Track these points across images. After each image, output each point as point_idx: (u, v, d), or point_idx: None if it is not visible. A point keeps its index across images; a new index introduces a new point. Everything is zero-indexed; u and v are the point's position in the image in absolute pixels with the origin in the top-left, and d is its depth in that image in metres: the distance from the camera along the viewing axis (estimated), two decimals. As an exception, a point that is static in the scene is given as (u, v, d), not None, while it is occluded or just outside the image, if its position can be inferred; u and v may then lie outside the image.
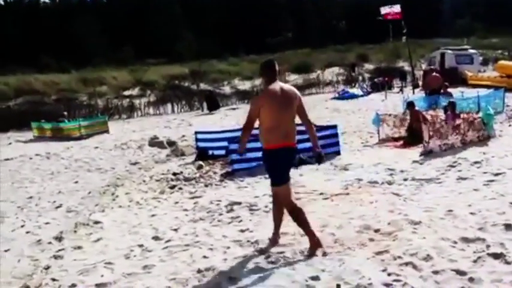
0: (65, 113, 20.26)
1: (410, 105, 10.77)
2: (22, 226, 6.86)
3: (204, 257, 4.81)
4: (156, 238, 5.66)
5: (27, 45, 59.94)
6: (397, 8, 23.45)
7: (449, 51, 26.10)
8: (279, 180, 4.72)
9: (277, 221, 5.00)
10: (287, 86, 4.89)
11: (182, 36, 61.72)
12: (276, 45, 54.67)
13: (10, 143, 18.13)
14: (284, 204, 4.82)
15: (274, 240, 4.95)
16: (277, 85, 4.71)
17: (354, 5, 79.82)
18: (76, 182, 10.13)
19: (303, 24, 72.15)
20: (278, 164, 4.68)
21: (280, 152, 4.63)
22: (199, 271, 4.43)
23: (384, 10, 24.31)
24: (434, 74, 15.52)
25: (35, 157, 13.97)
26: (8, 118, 21.53)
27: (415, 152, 9.20)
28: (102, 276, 4.57)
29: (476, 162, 7.55)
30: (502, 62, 25.12)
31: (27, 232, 6.52)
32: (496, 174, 6.73)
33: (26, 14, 68.82)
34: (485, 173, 6.90)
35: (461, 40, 39.89)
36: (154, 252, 5.16)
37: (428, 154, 8.61)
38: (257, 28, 68.90)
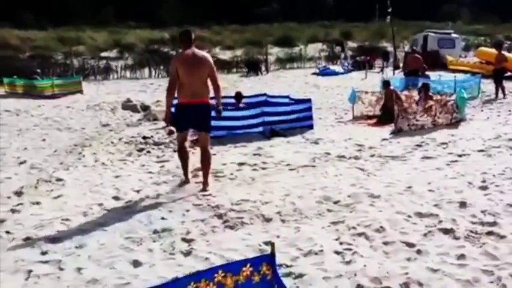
0: (38, 70, 19.72)
1: (385, 84, 10.81)
2: (-18, 179, 6.71)
3: (162, 218, 4.80)
4: (116, 198, 5.61)
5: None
6: None
7: (432, 34, 26.15)
8: (178, 128, 5.85)
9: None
10: (200, 53, 5.69)
11: (166, 1, 60.32)
12: (262, 16, 54.02)
13: (-21, 97, 17.63)
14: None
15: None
16: (190, 51, 5.58)
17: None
18: (43, 140, 9.94)
19: (290, -3, 71.27)
20: (179, 116, 5.72)
21: (186, 106, 5.61)
22: (155, 232, 4.42)
23: None
24: (414, 55, 15.52)
25: (4, 113, 13.65)
26: (-22, 72, 20.82)
27: (386, 130, 9.27)
28: (57, 231, 4.52)
29: (443, 143, 7.67)
30: (482, 48, 25.31)
31: (-13, 185, 6.39)
32: (460, 156, 6.86)
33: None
34: (450, 153, 7.01)
35: (445, 24, 40.05)
36: (113, 211, 5.13)
37: (397, 133, 8.70)
38: (244, -3, 67.81)
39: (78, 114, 13.80)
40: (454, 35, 27.25)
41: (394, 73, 20.82)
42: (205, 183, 5.74)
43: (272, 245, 2.20)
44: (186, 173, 6.06)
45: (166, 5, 59.46)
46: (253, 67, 25.40)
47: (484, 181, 5.47)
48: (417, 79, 12.88)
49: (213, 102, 5.96)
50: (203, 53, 5.83)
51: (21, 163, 7.79)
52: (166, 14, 55.79)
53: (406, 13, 52.79)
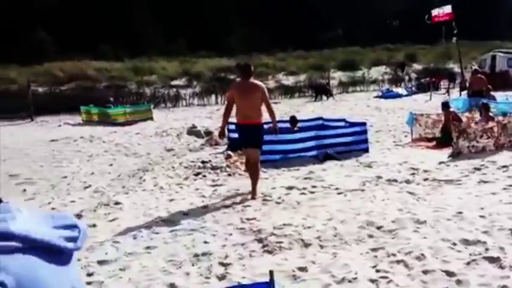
0: (111, 98, 21.01)
1: (444, 106, 10.44)
2: (49, 203, 7.26)
3: (205, 242, 4.95)
4: (166, 221, 5.85)
5: (86, 33, 62.44)
6: (447, 9, 22.49)
7: (500, 54, 25.02)
8: (240, 146, 7.18)
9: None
10: (254, 82, 6.72)
11: (235, 30, 62.34)
12: (326, 41, 54.14)
13: (60, 125, 19.07)
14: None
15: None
16: (246, 81, 6.65)
17: (410, 4, 77.74)
18: (111, 165, 10.55)
19: (355, 21, 71.09)
20: (240, 135, 6.87)
21: (242, 127, 6.71)
22: (195, 255, 4.57)
23: (434, 13, 23.40)
24: (478, 75, 14.89)
25: (79, 139, 14.64)
26: (60, 102, 22.58)
27: (445, 153, 8.93)
28: (106, 253, 4.80)
29: (503, 167, 7.27)
30: None
31: (53, 209, 6.90)
32: (521, 180, 6.47)
33: (87, 2, 71.72)
34: (510, 177, 6.63)
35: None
36: (161, 234, 5.35)
37: (456, 156, 8.34)
38: (309, 23, 68.53)
39: (146, 140, 14.50)
40: None
41: (460, 94, 20.02)
42: (253, 194, 6.61)
43: (271, 273, 2.24)
44: (254, 188, 6.80)
45: (235, 34, 61.46)
46: (321, 91, 25.19)
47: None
48: (481, 100, 12.33)
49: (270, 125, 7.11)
50: (257, 82, 6.86)
51: (86, 187, 8.33)
52: (235, 43, 57.59)
53: (475, 33, 50.75)
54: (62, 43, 55.14)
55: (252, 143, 6.69)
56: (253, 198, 6.51)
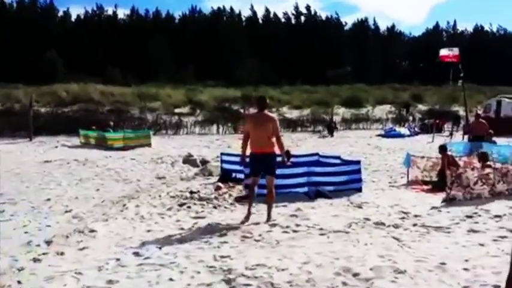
0: (111, 123, 20.99)
1: (441, 149, 10.21)
2: (24, 226, 7.02)
3: (170, 279, 4.68)
4: (136, 254, 5.58)
5: (98, 57, 63.50)
6: (455, 51, 22.52)
7: (505, 99, 24.96)
8: (250, 172, 7.43)
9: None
10: (268, 114, 7.26)
11: (244, 62, 63.02)
12: (334, 78, 54.54)
13: (57, 147, 19.01)
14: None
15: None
16: (260, 113, 7.21)
17: (419, 45, 78.69)
18: (97, 190, 10.34)
19: (364, 59, 71.86)
20: (251, 163, 7.23)
21: (255, 155, 7.12)
22: (157, 293, 4.30)
23: (443, 52, 23.45)
24: (479, 120, 14.75)
25: (72, 162, 14.52)
26: (61, 123, 22.61)
27: (439, 197, 8.63)
28: (65, 285, 4.54)
29: (497, 216, 6.95)
30: None
31: (26, 232, 6.65)
32: (512, 231, 6.16)
33: (104, 27, 73.21)
34: (501, 228, 6.32)
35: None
36: (127, 268, 5.08)
37: (450, 201, 8.05)
38: (319, 59, 69.33)
39: (140, 166, 14.32)
40: None
41: (463, 137, 19.81)
42: (268, 216, 7.13)
43: None
44: (249, 209, 7.26)
45: (244, 65, 62.08)
46: (331, 128, 25.42)
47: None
48: (481, 144, 12.09)
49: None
50: (271, 115, 7.42)
51: (66, 211, 8.10)
52: (243, 74, 58.10)
53: (483, 78, 50.96)
54: (72, 65, 56.01)
55: (266, 170, 7.15)
56: (268, 220, 7.03)
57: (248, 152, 7.26)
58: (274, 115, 7.64)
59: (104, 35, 68.63)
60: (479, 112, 19.35)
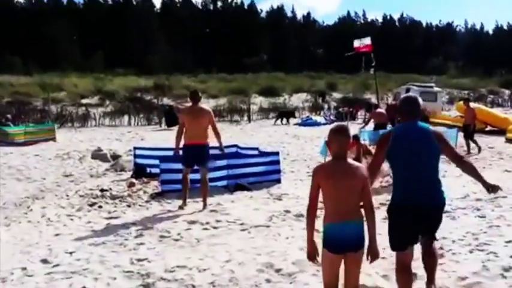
0: (9, 116, 19.37)
1: (354, 138, 10.51)
2: None
3: (84, 287, 4.32)
4: (44, 261, 5.12)
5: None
6: (367, 41, 23.50)
7: (414, 87, 26.45)
8: (183, 163, 7.52)
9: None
10: (201, 107, 7.56)
11: (156, 49, 61.26)
12: (251, 66, 54.82)
13: None
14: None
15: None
16: (195, 106, 7.52)
17: (333, 34, 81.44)
18: (-3, 191, 9.45)
19: (280, 47, 72.90)
20: (185, 154, 7.46)
21: (188, 147, 7.42)
22: (69, 304, 3.93)
23: (356, 43, 24.37)
24: (378, 110, 15.49)
25: (-34, 160, 13.16)
26: None
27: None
28: (-42, 303, 4.02)
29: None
30: (460, 102, 25.55)
31: None
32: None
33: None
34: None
35: (429, 78, 40.72)
36: (35, 277, 4.64)
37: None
38: (235, 47, 69.25)
39: (44, 162, 13.31)
40: (436, 89, 27.60)
41: (364, 127, 20.78)
42: (204, 204, 7.39)
43: None
44: (184, 199, 7.53)
45: (155, 51, 60.30)
46: (286, 115, 25.23)
47: (441, 248, 5.07)
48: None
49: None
50: (206, 108, 7.76)
51: (-40, 217, 7.29)
52: (155, 61, 56.46)
53: (393, 66, 53.99)
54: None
55: (200, 161, 7.43)
56: (204, 208, 7.30)
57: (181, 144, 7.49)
58: (209, 108, 8.03)
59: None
60: (390, 99, 20.34)
